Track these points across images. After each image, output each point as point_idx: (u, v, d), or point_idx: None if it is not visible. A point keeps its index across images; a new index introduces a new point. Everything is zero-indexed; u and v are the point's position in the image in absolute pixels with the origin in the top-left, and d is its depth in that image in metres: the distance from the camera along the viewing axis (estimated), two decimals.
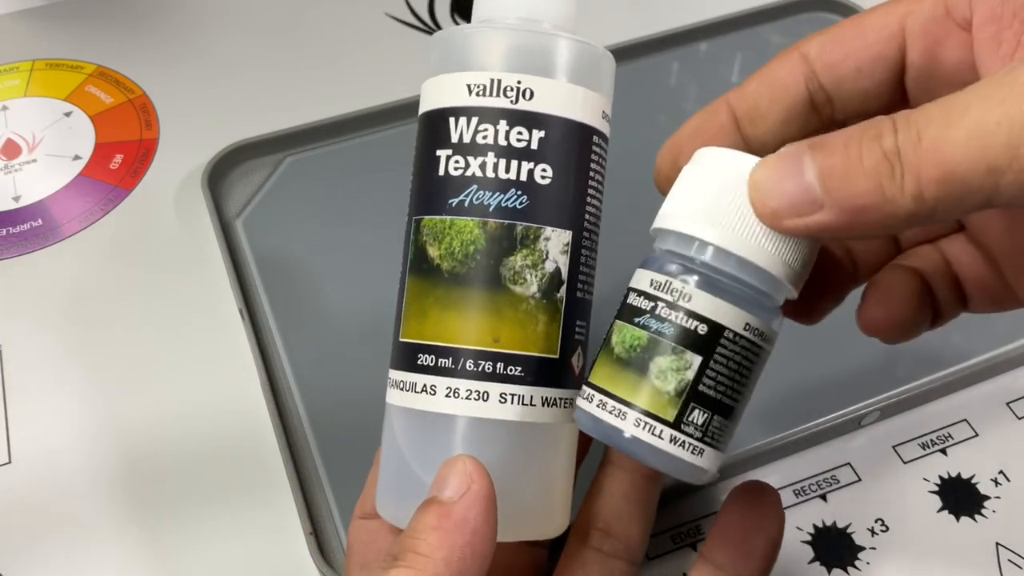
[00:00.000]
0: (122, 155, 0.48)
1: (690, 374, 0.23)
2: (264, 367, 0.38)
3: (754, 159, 0.23)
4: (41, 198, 0.46)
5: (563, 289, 0.26)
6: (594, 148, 0.26)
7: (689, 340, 0.23)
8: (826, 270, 0.27)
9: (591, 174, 0.26)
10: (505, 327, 0.25)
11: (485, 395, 0.25)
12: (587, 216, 0.26)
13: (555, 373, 0.26)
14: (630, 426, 0.23)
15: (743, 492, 0.27)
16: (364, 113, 0.47)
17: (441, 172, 0.26)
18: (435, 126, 0.26)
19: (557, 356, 0.26)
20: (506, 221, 0.25)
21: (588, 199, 0.26)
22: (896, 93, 0.25)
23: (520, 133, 0.25)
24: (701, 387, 0.23)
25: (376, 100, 0.48)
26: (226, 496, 0.35)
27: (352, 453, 0.33)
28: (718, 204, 0.23)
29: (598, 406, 0.24)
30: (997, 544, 0.33)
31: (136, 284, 0.42)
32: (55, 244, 0.44)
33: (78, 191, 0.46)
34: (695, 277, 0.23)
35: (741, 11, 0.52)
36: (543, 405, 0.25)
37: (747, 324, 0.23)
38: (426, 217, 0.26)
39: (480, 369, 0.25)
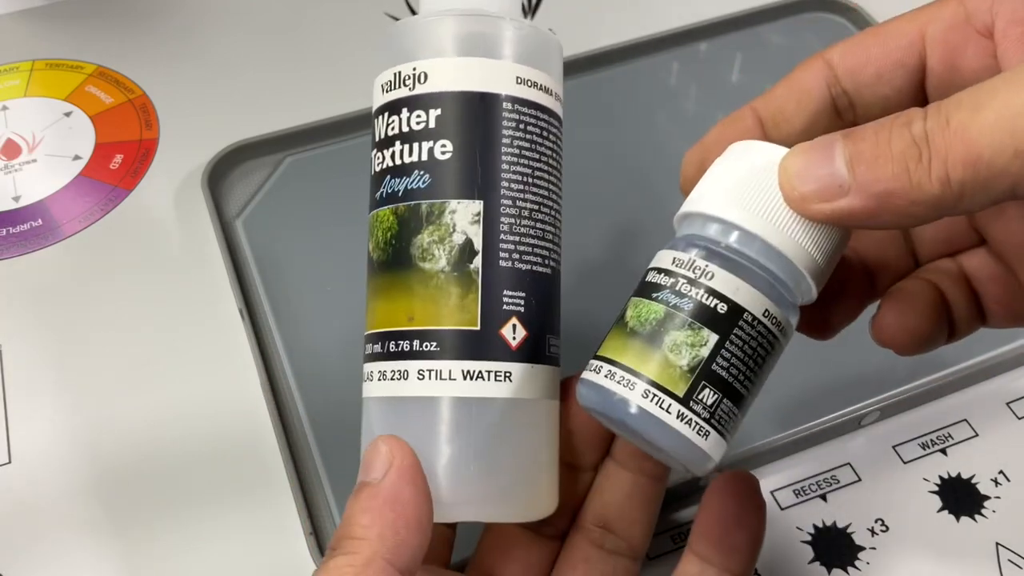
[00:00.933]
0: (122, 155, 0.48)
1: (705, 351, 0.22)
2: (264, 367, 0.38)
3: (785, 149, 0.23)
4: (41, 198, 0.46)
5: (478, 260, 0.25)
6: (505, 114, 0.26)
7: (707, 317, 0.22)
8: (842, 283, 0.27)
9: (504, 140, 0.26)
10: (417, 304, 0.25)
11: (405, 374, 0.25)
12: (506, 183, 0.26)
13: (478, 345, 0.25)
14: (637, 396, 0.22)
15: (723, 484, 0.27)
16: (364, 113, 0.47)
17: (372, 171, 0.27)
18: (372, 130, 0.28)
19: (478, 328, 0.25)
20: (412, 202, 0.26)
21: (505, 166, 0.26)
22: (917, 99, 0.25)
23: (419, 116, 0.26)
24: (714, 366, 0.22)
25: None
26: (226, 496, 0.35)
27: (352, 453, 0.33)
28: (746, 188, 0.23)
29: (606, 376, 0.23)
30: (997, 544, 0.33)
31: (136, 284, 0.42)
32: (55, 244, 0.44)
33: (78, 191, 0.46)
34: (718, 257, 0.23)
35: (741, 11, 0.52)
36: (466, 379, 0.25)
37: (767, 311, 0.23)
38: (368, 217, 0.27)
39: (399, 349, 0.25)
